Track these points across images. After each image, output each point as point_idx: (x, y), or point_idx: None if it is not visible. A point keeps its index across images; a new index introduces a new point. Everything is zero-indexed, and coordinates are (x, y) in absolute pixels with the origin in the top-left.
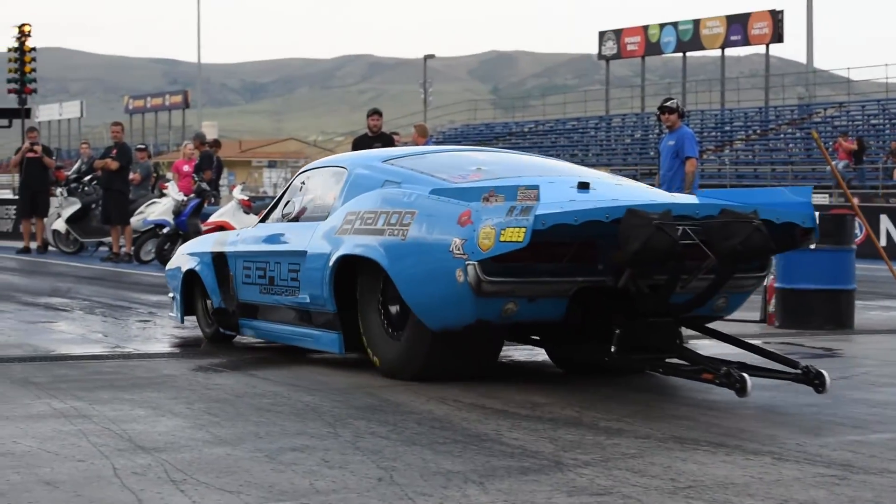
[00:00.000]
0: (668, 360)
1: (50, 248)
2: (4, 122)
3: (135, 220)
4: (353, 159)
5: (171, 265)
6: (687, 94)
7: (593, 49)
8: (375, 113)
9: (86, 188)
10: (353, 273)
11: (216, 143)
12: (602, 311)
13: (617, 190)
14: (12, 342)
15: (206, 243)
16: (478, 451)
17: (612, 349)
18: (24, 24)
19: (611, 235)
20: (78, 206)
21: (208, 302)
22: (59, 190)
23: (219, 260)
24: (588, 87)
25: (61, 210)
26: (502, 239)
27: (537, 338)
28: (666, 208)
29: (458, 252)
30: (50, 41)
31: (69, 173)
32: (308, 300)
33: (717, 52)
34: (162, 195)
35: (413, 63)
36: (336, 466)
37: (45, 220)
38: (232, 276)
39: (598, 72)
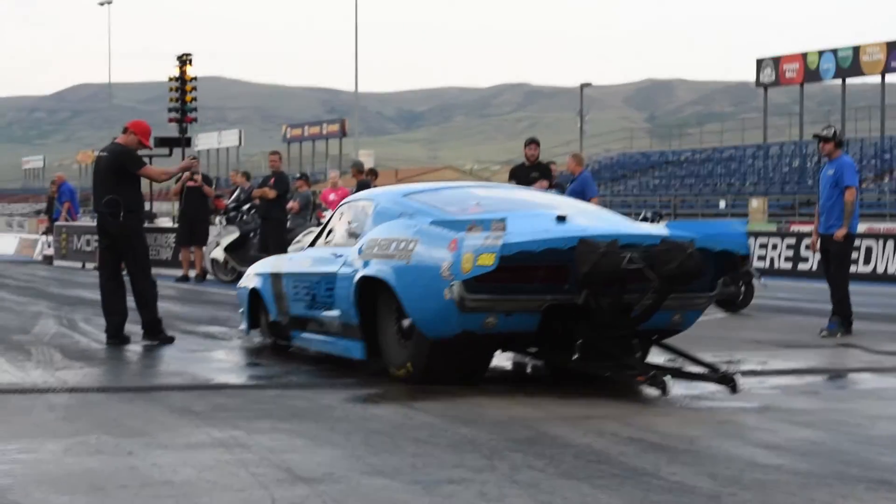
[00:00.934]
0: (625, 364)
1: (208, 276)
2: (165, 150)
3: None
4: (380, 194)
5: (240, 284)
6: (846, 122)
7: (751, 76)
8: (532, 142)
9: (244, 217)
10: (375, 291)
11: (373, 173)
12: (570, 325)
13: (591, 223)
14: (172, 370)
15: (267, 265)
16: (635, 485)
17: (575, 357)
18: (185, 54)
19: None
20: (236, 234)
21: (270, 316)
22: (217, 219)
23: (275, 279)
24: (745, 114)
25: (220, 239)
26: (478, 263)
27: (534, 349)
28: (613, 238)
29: (446, 273)
30: (210, 70)
31: (228, 202)
32: (339, 314)
33: (876, 79)
34: (319, 224)
35: (569, 91)
36: (493, 500)
37: (204, 248)
38: (285, 293)
39: (755, 99)
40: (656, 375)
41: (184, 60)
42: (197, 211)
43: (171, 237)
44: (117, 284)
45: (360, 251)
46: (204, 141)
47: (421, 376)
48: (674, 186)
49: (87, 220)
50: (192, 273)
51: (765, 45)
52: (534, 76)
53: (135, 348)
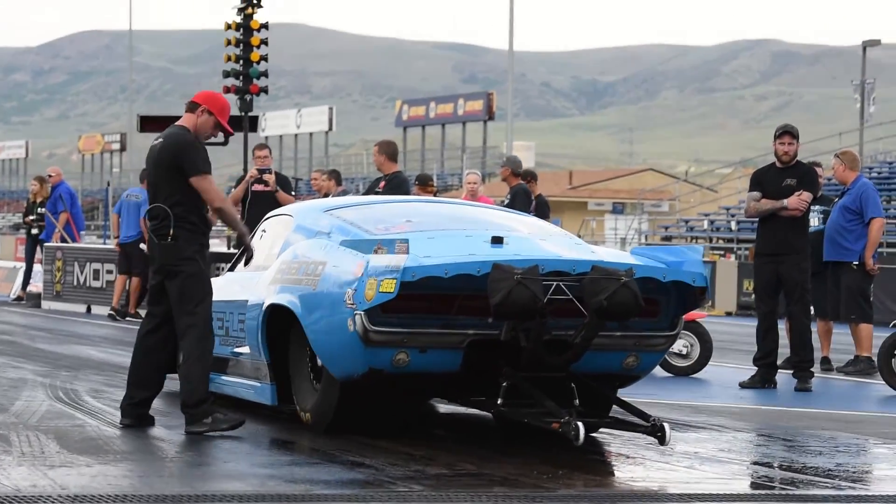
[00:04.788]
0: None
1: None
2: (219, 135)
3: None
4: (300, 209)
5: None
6: None
7: None
8: (787, 133)
9: None
10: (287, 322)
11: (531, 175)
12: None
13: (530, 245)
14: (227, 469)
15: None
16: None
17: (499, 402)
18: None
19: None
20: None
21: None
22: None
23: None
24: None
25: None
26: (381, 290)
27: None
28: (534, 264)
29: (349, 302)
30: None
31: None
32: (248, 351)
33: None
34: None
35: (843, 53)
36: None
37: None
38: None
39: None
40: (569, 421)
41: (249, 1)
42: None
43: (226, 266)
44: (159, 340)
45: (269, 276)
46: (276, 123)
47: (331, 423)
48: None
49: (95, 240)
50: None
51: None
52: (786, 30)
53: (166, 435)
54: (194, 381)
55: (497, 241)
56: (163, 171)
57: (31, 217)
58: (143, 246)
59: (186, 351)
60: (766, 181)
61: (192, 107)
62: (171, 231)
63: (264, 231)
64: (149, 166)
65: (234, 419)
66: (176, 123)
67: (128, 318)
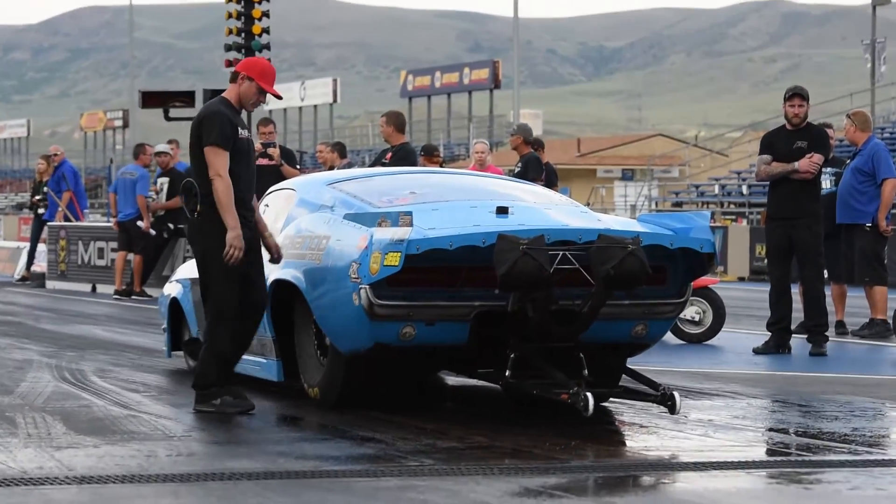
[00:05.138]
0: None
1: None
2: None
3: None
4: (302, 182)
5: (163, 291)
6: None
7: None
8: (797, 95)
9: None
10: (292, 298)
11: (538, 144)
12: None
13: (535, 214)
14: (242, 450)
15: (189, 268)
16: None
17: (507, 374)
18: None
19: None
20: None
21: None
22: None
23: (195, 286)
24: None
25: None
26: (385, 263)
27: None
28: (539, 233)
29: (354, 276)
30: None
31: None
32: None
33: None
34: None
35: (853, 12)
36: None
37: None
38: None
39: None
40: (578, 392)
41: None
42: None
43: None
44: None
45: None
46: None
47: (338, 400)
48: None
49: (98, 218)
50: None
51: None
52: None
53: (173, 413)
54: (202, 365)
55: (502, 211)
56: (193, 145)
57: (38, 197)
58: (140, 223)
59: (204, 332)
60: (777, 144)
61: (234, 76)
62: (198, 207)
63: (267, 205)
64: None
65: (243, 405)
66: (221, 95)
67: (133, 297)
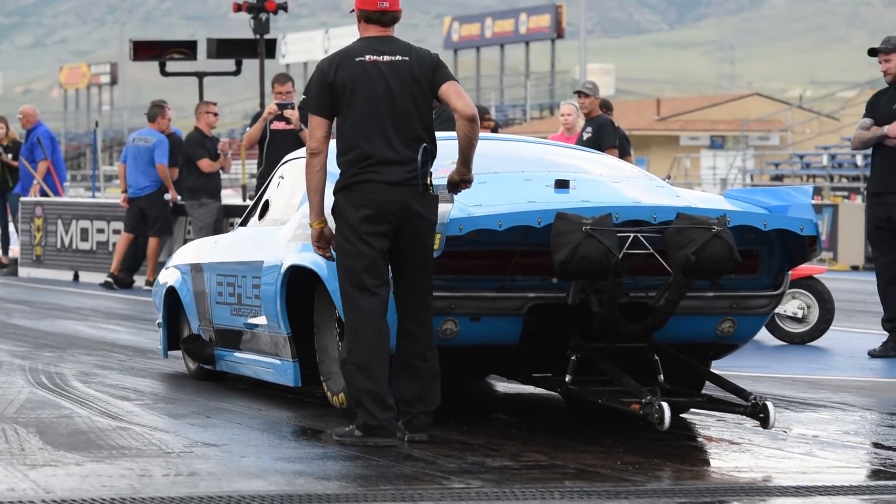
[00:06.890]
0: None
1: None
2: (230, 64)
3: None
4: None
5: (158, 279)
6: None
7: None
8: (879, 50)
9: None
10: (311, 287)
11: (606, 106)
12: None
13: (602, 189)
14: (248, 467)
15: (189, 252)
16: None
17: (567, 379)
18: None
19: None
20: None
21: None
22: None
23: (196, 273)
24: None
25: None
26: None
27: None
28: (606, 212)
29: None
30: None
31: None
32: (266, 321)
33: None
34: None
35: None
36: None
37: None
38: (207, 292)
39: None
40: (651, 402)
41: None
42: None
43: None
44: None
45: (289, 232)
46: (300, 47)
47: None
48: None
49: (82, 193)
50: None
51: None
52: None
53: (171, 426)
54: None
55: (562, 184)
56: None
57: None
58: (168, 196)
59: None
60: (878, 106)
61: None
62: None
63: (282, 177)
64: None
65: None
66: None
67: (138, 288)
